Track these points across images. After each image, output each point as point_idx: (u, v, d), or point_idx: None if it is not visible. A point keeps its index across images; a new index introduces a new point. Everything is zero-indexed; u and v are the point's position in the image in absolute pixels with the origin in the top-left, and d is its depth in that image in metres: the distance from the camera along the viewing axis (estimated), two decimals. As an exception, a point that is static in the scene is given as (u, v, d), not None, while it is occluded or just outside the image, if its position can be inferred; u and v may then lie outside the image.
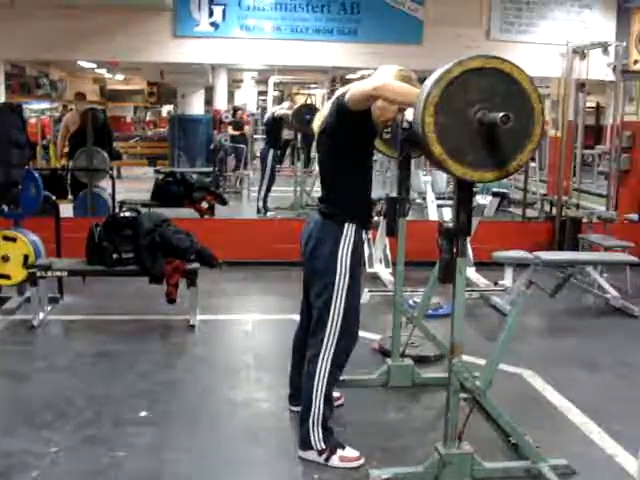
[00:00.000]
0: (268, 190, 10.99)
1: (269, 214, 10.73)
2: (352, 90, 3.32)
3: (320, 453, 3.48)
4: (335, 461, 3.46)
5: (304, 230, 3.64)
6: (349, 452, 3.50)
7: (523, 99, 2.93)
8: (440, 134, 2.86)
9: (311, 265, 3.57)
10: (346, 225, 3.45)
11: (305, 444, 3.51)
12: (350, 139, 3.43)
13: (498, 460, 3.49)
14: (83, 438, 3.69)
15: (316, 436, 3.48)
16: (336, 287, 3.45)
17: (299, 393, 3.73)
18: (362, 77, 3.56)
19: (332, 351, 3.49)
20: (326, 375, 3.50)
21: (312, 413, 3.49)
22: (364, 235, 3.60)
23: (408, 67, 3.57)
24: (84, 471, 3.37)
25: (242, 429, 3.88)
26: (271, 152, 10.94)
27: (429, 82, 2.89)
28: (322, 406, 3.49)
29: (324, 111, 3.58)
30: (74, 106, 12.28)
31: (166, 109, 23.50)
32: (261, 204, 10.92)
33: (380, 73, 3.49)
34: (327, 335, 3.49)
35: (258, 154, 13.44)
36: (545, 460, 3.37)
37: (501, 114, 2.76)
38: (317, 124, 3.61)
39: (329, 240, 3.46)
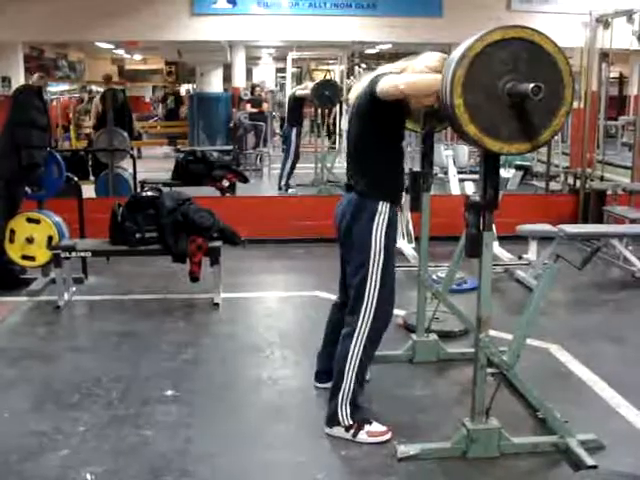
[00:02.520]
0: (292, 168, 11.01)
1: (290, 191, 10.72)
2: (383, 83, 3.27)
3: (347, 429, 3.47)
4: (363, 436, 3.46)
5: (338, 209, 3.61)
6: (376, 427, 3.49)
7: (549, 62, 2.88)
8: (472, 113, 2.82)
9: (347, 244, 3.55)
10: (381, 203, 3.42)
11: (332, 420, 3.51)
12: (381, 121, 3.40)
13: (526, 435, 3.47)
14: (110, 417, 3.72)
15: (344, 412, 3.48)
16: (371, 265, 3.43)
17: (326, 371, 3.73)
18: (403, 70, 3.51)
19: (367, 329, 3.48)
20: (360, 352, 3.48)
21: (342, 389, 3.48)
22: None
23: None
24: (112, 449, 3.39)
25: (268, 406, 3.89)
26: (294, 130, 10.99)
27: (452, 62, 2.84)
28: (353, 383, 3.48)
29: (361, 84, 3.54)
30: (102, 88, 12.40)
31: (184, 88, 23.45)
32: (283, 182, 10.92)
33: (422, 60, 3.44)
34: (363, 313, 3.47)
35: (278, 131, 13.40)
36: (573, 435, 3.34)
37: (532, 85, 2.71)
38: (354, 95, 3.58)
39: (364, 218, 3.44)
